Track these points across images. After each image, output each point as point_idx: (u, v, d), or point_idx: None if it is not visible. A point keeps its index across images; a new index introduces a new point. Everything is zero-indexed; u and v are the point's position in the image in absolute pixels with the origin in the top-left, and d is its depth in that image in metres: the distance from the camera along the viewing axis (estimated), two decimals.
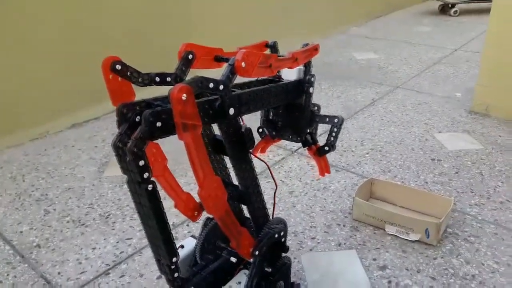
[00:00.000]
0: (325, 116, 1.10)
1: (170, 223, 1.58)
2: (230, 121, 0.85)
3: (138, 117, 0.79)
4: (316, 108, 1.11)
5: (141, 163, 0.74)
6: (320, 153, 1.13)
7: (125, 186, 1.77)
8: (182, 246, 1.09)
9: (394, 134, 2.18)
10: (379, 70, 3.14)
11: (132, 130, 0.78)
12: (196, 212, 0.93)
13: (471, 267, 1.33)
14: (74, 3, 2.28)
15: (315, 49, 1.04)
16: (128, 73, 0.83)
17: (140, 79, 0.84)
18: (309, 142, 1.12)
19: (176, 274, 0.87)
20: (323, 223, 1.55)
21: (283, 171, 1.88)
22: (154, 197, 0.79)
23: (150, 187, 0.77)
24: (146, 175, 0.75)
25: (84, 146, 2.17)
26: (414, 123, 2.29)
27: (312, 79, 1.04)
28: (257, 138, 1.02)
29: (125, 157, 0.76)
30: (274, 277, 1.02)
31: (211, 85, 0.77)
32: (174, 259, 0.85)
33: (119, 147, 0.78)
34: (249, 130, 0.89)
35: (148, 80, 0.86)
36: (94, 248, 1.46)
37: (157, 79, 0.86)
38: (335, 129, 1.10)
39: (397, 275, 1.31)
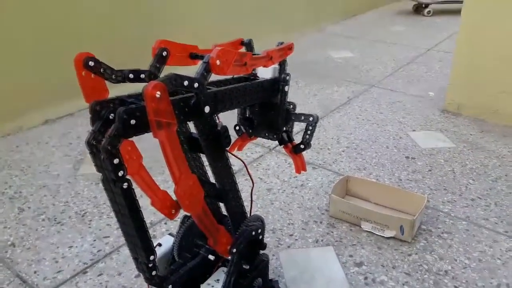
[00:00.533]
0: (301, 114, 1.11)
1: (148, 221, 1.57)
2: (205, 119, 0.85)
3: (112, 114, 0.78)
4: (291, 106, 1.12)
5: (116, 161, 0.73)
6: (296, 151, 1.14)
7: (101, 184, 1.76)
8: (159, 244, 1.09)
9: (369, 132, 2.22)
10: (354, 68, 3.18)
11: (106, 127, 0.77)
12: (173, 210, 0.93)
13: (444, 263, 1.37)
14: None
15: (290, 48, 1.04)
16: (101, 70, 0.81)
17: (113, 76, 0.83)
18: (285, 140, 1.13)
19: (154, 272, 0.87)
20: (301, 220, 1.57)
21: (261, 169, 1.89)
22: (129, 195, 0.78)
23: (125, 185, 0.77)
24: (121, 173, 0.74)
25: (58, 143, 2.14)
26: (388, 122, 2.34)
27: (287, 77, 1.05)
28: (234, 136, 1.03)
29: (99, 155, 0.75)
30: (252, 274, 1.03)
31: (185, 82, 0.77)
32: (152, 257, 0.84)
33: (93, 145, 0.77)
34: (225, 128, 0.89)
35: (122, 77, 0.84)
36: (70, 247, 1.45)
37: (131, 76, 0.85)
38: (310, 128, 1.12)
39: (373, 271, 1.34)
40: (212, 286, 0.99)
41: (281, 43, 1.04)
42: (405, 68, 3.18)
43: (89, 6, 2.42)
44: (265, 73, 1.04)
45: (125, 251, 1.42)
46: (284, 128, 1.12)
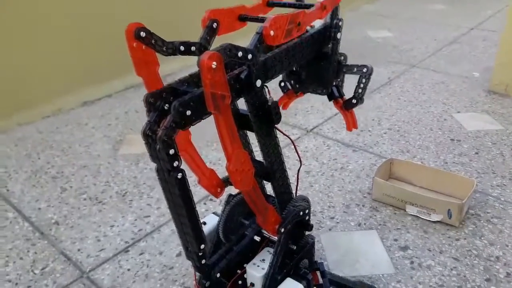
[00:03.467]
0: (353, 65, 1.02)
1: None
2: (256, 93, 0.82)
3: (166, 105, 0.77)
4: (342, 57, 1.03)
5: (171, 151, 0.72)
6: (347, 106, 1.06)
7: (141, 164, 1.77)
8: (204, 223, 1.07)
9: (412, 114, 2.15)
10: (394, 48, 3.08)
11: (160, 118, 0.76)
12: (219, 189, 0.92)
13: (495, 248, 1.31)
14: None
15: None
16: (153, 41, 0.78)
17: (164, 48, 0.80)
18: (335, 95, 1.05)
19: (203, 261, 0.86)
20: (342, 203, 1.54)
21: (299, 151, 1.86)
22: (183, 185, 0.77)
23: (179, 175, 0.75)
24: (176, 163, 0.74)
25: (97, 124, 2.15)
26: (431, 103, 2.25)
27: (340, 23, 0.97)
28: (279, 92, 0.98)
29: (155, 145, 0.74)
30: (299, 254, 1.01)
31: (239, 53, 0.74)
32: (202, 246, 0.83)
33: (149, 136, 0.76)
34: (275, 104, 0.85)
35: (173, 49, 0.81)
36: (112, 226, 1.46)
37: (182, 48, 0.82)
38: (364, 80, 1.02)
39: (419, 256, 1.29)
40: (258, 266, 0.97)
41: None
42: (447, 48, 3.06)
43: None
44: (315, 21, 0.95)
45: (166, 231, 1.42)
46: (334, 82, 1.04)
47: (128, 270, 1.28)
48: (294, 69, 1.03)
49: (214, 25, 0.88)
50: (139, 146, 1.92)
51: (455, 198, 1.49)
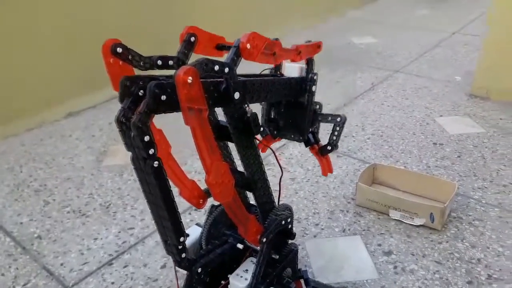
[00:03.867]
0: (328, 115, 1.09)
1: None
2: (235, 105, 0.82)
3: (141, 91, 0.77)
4: (318, 106, 1.09)
5: (146, 138, 0.72)
6: (322, 152, 1.12)
7: (125, 175, 1.77)
8: (187, 235, 1.07)
9: (395, 118, 2.16)
10: (378, 54, 3.11)
11: (135, 104, 0.76)
12: (201, 200, 0.91)
13: (477, 251, 1.32)
14: None
15: (318, 46, 1.03)
16: (130, 57, 0.80)
17: (141, 63, 0.82)
18: (311, 142, 1.11)
19: (183, 255, 0.85)
20: (326, 209, 1.54)
21: (284, 158, 1.86)
22: (160, 174, 0.76)
23: (156, 163, 0.74)
24: (151, 151, 0.73)
25: (81, 136, 2.14)
26: (414, 107, 2.27)
27: (315, 77, 1.03)
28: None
29: (129, 133, 0.73)
30: (282, 263, 1.01)
31: (216, 67, 0.75)
32: (182, 239, 0.83)
33: (123, 122, 0.75)
34: (255, 115, 0.86)
35: (150, 63, 0.83)
36: (96, 239, 1.45)
37: (159, 62, 0.84)
38: (338, 128, 1.09)
39: (402, 260, 1.30)
40: (241, 277, 0.97)
41: (309, 41, 1.02)
42: (430, 53, 3.09)
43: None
44: (292, 72, 1.02)
45: (150, 242, 1.41)
46: (310, 129, 1.09)
47: (112, 283, 1.27)
48: (272, 116, 1.07)
49: (192, 39, 0.89)
50: (123, 157, 1.91)
51: (438, 201, 1.50)
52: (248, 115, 0.85)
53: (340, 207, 1.55)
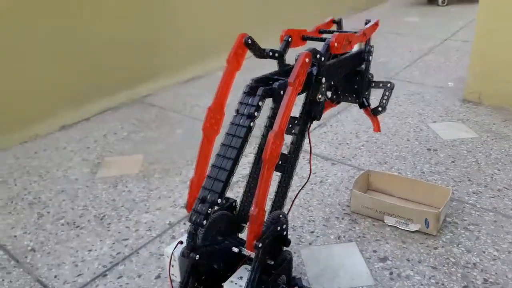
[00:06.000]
0: (379, 82, 1.31)
1: (166, 221, 1.57)
2: (318, 87, 1.02)
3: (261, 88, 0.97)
4: (371, 76, 1.29)
5: (260, 104, 0.93)
6: (375, 113, 1.35)
7: (119, 186, 1.76)
8: (181, 242, 1.07)
9: (388, 125, 2.17)
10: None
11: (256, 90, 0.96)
12: None
13: (472, 255, 1.32)
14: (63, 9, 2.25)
15: (377, 24, 1.27)
16: (253, 47, 1.03)
17: (258, 52, 1.05)
18: (364, 104, 1.32)
19: (205, 222, 0.90)
20: (322, 216, 1.54)
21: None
22: (249, 132, 0.93)
23: (252, 123, 0.93)
24: (257, 113, 0.93)
25: (75, 148, 2.14)
26: (408, 114, 2.29)
27: (372, 49, 1.25)
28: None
29: (249, 98, 0.94)
30: (276, 270, 1.01)
31: (318, 55, 0.99)
32: (219, 201, 0.90)
33: (250, 92, 0.96)
34: (323, 104, 1.06)
35: (262, 53, 1.05)
36: (90, 250, 1.44)
37: (270, 53, 1.05)
38: (387, 93, 1.32)
39: (398, 266, 1.30)
40: (236, 284, 0.96)
41: (369, 21, 1.26)
42: (422, 59, 3.12)
43: (97, 13, 2.42)
44: (354, 46, 1.23)
45: (144, 253, 1.40)
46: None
47: None
48: (332, 83, 1.25)
49: (290, 39, 1.11)
50: (118, 169, 1.91)
51: (433, 207, 1.50)
52: (321, 99, 1.05)
53: (335, 214, 1.55)
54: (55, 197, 1.74)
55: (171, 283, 1.03)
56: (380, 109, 1.33)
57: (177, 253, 1.02)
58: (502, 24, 2.17)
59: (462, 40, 3.48)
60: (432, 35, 3.68)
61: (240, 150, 0.92)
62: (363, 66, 1.25)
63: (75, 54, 2.34)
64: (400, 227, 1.44)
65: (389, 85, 1.31)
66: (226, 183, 0.91)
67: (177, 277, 1.03)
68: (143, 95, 2.73)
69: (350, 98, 1.30)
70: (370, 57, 1.25)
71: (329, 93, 1.23)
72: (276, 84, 0.95)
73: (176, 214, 1.59)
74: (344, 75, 1.23)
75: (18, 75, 2.16)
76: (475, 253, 1.33)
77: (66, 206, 1.68)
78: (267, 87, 0.95)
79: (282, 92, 0.94)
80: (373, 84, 1.31)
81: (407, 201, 1.57)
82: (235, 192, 1.67)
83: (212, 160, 0.97)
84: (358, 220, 1.51)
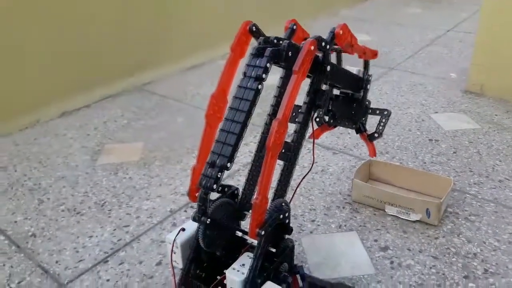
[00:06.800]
0: (376, 109, 1.34)
1: (168, 209, 1.57)
2: (324, 75, 1.02)
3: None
4: (367, 103, 1.32)
5: (268, 65, 0.91)
6: (371, 139, 1.37)
7: (120, 173, 1.76)
8: (183, 229, 1.07)
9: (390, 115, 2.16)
10: None
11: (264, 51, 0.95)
12: None
13: (473, 245, 1.32)
14: None
15: (375, 54, 1.28)
16: (257, 34, 1.02)
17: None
18: (361, 130, 1.36)
19: (215, 186, 0.90)
20: (323, 205, 1.54)
21: None
22: (258, 94, 0.92)
23: (260, 86, 0.91)
24: (264, 75, 0.91)
25: (75, 135, 2.13)
26: (410, 104, 2.28)
27: (370, 78, 1.28)
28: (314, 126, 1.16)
29: (256, 59, 0.92)
30: (279, 258, 1.01)
31: (323, 43, 0.98)
32: (229, 165, 0.90)
33: (258, 53, 0.94)
34: (327, 95, 1.06)
35: (267, 40, 1.03)
36: (91, 236, 1.44)
37: (275, 41, 1.02)
38: (383, 120, 1.35)
39: (399, 256, 1.30)
40: (238, 271, 0.96)
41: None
42: (425, 50, 3.10)
43: (99, 0, 2.41)
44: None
45: (146, 240, 1.40)
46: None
47: (108, 280, 1.26)
48: (330, 108, 1.23)
49: (294, 27, 1.09)
50: (118, 156, 1.90)
51: (434, 197, 1.50)
52: (325, 89, 1.05)
53: (336, 203, 1.55)
54: (55, 184, 1.73)
55: (173, 270, 1.03)
56: (376, 135, 1.36)
57: (180, 240, 1.02)
58: (506, 16, 2.16)
59: (465, 31, 3.46)
60: (435, 26, 3.66)
61: (248, 114, 0.92)
62: (361, 93, 1.28)
63: (76, 42, 2.32)
64: (401, 217, 1.44)
65: (385, 112, 1.34)
66: (235, 147, 0.91)
67: (179, 264, 1.03)
68: (144, 83, 2.71)
69: (347, 123, 1.33)
70: (368, 86, 1.28)
71: (326, 118, 1.21)
72: (283, 45, 0.93)
73: (177, 201, 1.58)
74: (341, 101, 1.26)
75: (18, 61, 2.14)
76: (476, 243, 1.33)
77: (66, 192, 1.67)
78: (275, 48, 0.93)
79: (290, 53, 0.93)
80: (370, 111, 1.34)
81: (408, 191, 1.56)
82: (236, 180, 1.67)
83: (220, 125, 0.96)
84: (359, 210, 1.51)
